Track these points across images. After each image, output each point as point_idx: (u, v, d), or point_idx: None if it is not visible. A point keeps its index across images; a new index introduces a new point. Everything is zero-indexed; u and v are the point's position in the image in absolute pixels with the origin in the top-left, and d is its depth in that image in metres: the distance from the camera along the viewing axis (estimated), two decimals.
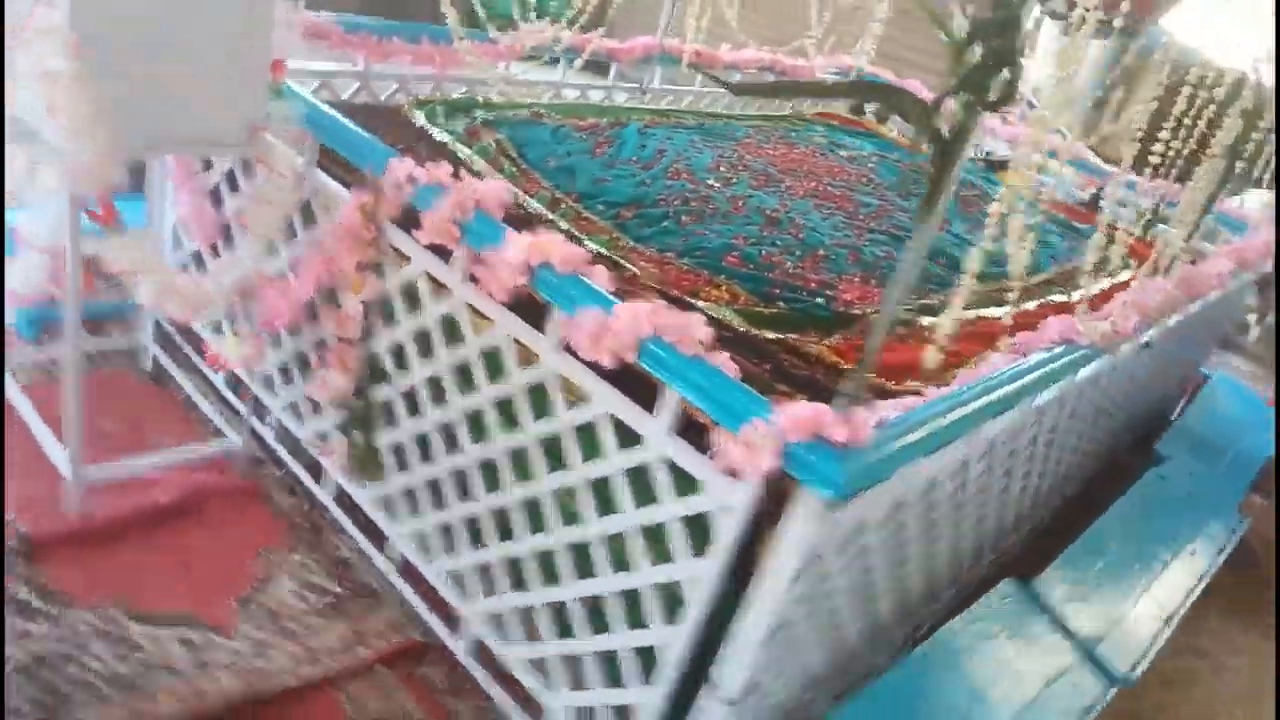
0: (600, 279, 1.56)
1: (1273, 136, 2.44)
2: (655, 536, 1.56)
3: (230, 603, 2.05)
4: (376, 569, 2.20)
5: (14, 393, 2.26)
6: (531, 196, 2.28)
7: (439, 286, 1.82)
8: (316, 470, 2.31)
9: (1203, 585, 2.55)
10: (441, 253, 1.77)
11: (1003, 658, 2.05)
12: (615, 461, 1.57)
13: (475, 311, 1.76)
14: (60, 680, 1.78)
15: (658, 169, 2.68)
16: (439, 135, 2.46)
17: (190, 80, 1.76)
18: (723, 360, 1.44)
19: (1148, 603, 2.37)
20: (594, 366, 1.51)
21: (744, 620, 1.44)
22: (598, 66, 3.71)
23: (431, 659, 2.07)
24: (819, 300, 2.11)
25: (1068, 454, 2.69)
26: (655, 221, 2.31)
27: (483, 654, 1.99)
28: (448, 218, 1.67)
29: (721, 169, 2.85)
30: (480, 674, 1.99)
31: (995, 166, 4.18)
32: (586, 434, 1.62)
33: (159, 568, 2.08)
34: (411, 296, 1.89)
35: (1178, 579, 2.52)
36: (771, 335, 1.92)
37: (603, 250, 2.09)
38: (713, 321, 1.90)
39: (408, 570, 2.13)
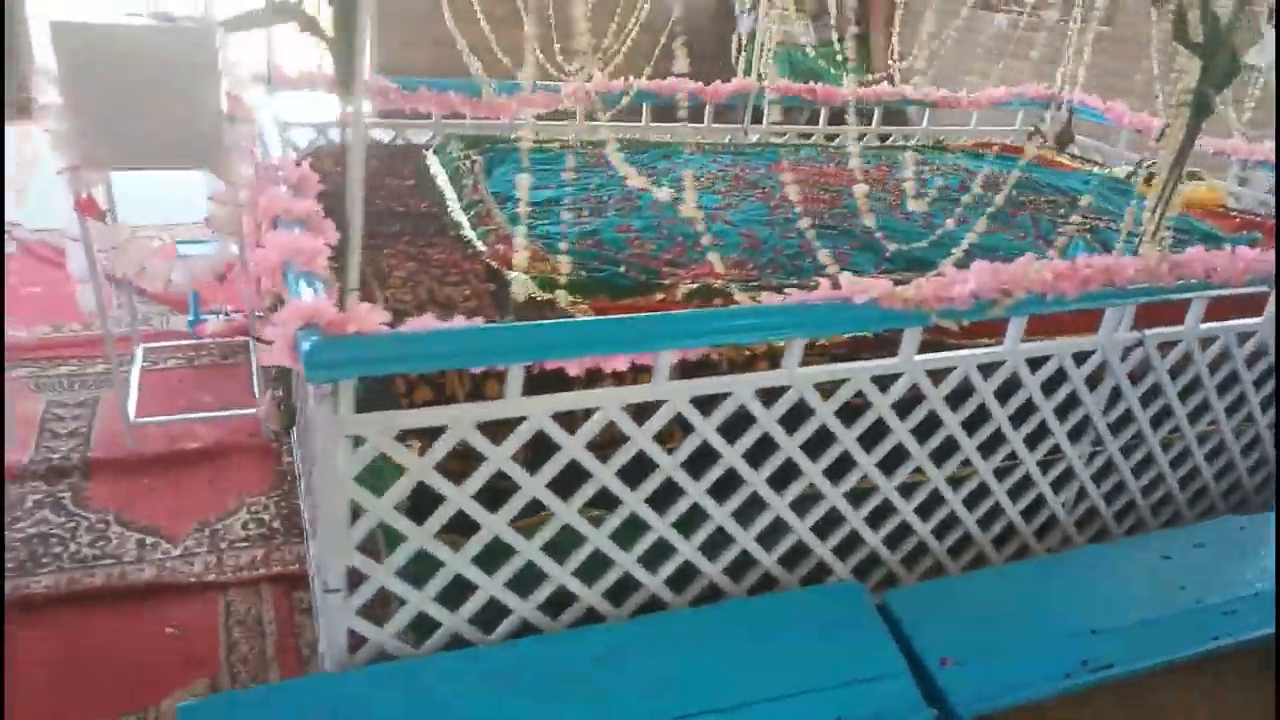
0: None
1: None
2: None
3: (191, 523, 2.58)
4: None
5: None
6: (464, 201, 2.61)
7: None
8: None
9: None
10: None
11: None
12: None
13: None
14: (42, 550, 2.42)
15: (612, 181, 2.84)
16: (431, 160, 2.90)
17: (151, 111, 2.39)
18: (323, 272, 1.63)
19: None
20: None
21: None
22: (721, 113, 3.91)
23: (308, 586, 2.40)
24: (625, 272, 2.15)
25: None
26: (554, 218, 2.50)
27: None
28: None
29: (696, 180, 2.93)
30: None
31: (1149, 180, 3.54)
32: None
33: (161, 492, 2.69)
34: None
35: None
36: (543, 296, 2.03)
37: (472, 236, 2.35)
38: (499, 284, 2.09)
39: None
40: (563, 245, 2.30)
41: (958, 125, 4.44)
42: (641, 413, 1.75)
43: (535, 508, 1.74)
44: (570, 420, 1.70)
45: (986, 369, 2.05)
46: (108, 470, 2.75)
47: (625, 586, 1.93)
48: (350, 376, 1.46)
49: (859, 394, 1.92)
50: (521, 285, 2.09)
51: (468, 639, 1.82)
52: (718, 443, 1.84)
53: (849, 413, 1.94)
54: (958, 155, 3.82)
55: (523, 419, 1.64)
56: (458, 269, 2.21)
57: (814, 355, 1.92)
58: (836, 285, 1.80)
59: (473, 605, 1.78)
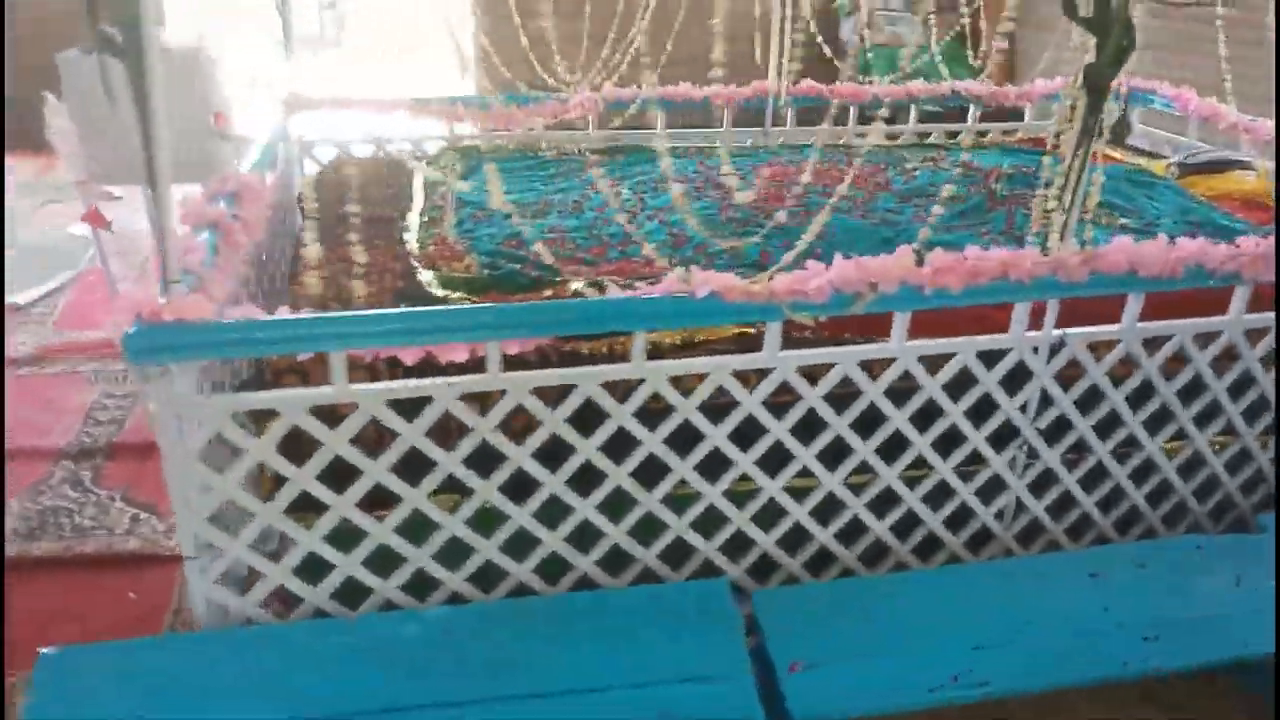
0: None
1: None
2: None
3: None
4: None
5: None
6: (427, 206, 2.76)
7: None
8: None
9: None
10: None
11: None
12: None
13: None
14: (52, 520, 2.73)
15: (580, 184, 2.91)
16: (421, 169, 3.06)
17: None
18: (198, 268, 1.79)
19: None
20: None
21: None
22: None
23: None
24: (523, 269, 2.20)
25: None
26: (497, 222, 2.59)
27: None
28: None
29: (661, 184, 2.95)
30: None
31: (1188, 170, 3.24)
32: None
33: None
34: None
35: None
36: (441, 293, 2.13)
37: (412, 239, 2.49)
38: (408, 282, 2.22)
39: None
40: (487, 246, 2.40)
41: (1015, 122, 4.21)
42: (480, 401, 1.82)
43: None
44: (408, 408, 1.78)
45: (872, 365, 1.98)
46: (128, 454, 3.06)
47: (491, 572, 1.99)
48: (164, 361, 1.61)
49: (720, 390, 1.90)
50: (425, 283, 2.19)
51: (335, 613, 1.93)
52: (574, 436, 1.87)
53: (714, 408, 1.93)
54: (978, 152, 3.62)
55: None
56: (380, 268, 2.34)
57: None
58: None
59: (332, 581, 1.90)
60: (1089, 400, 2.15)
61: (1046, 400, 2.11)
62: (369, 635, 1.84)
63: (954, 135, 4.06)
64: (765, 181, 3.00)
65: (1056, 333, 2.04)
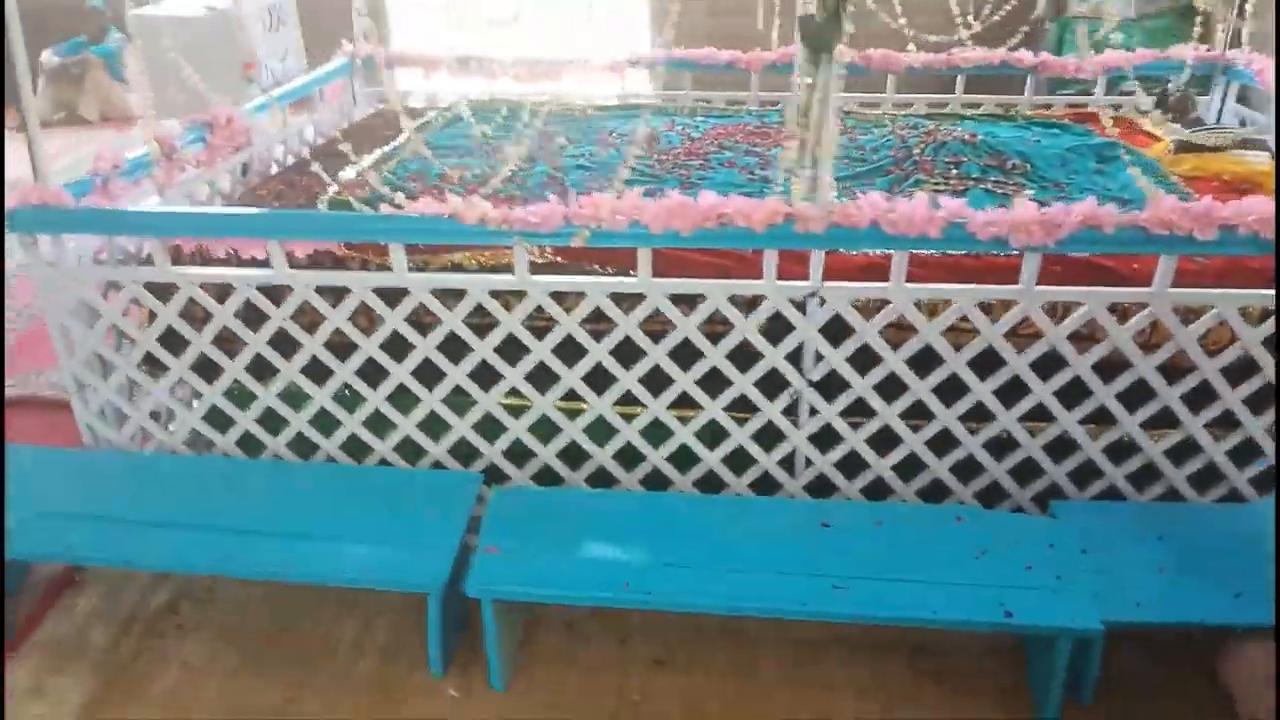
0: None
1: None
2: None
3: None
4: None
5: None
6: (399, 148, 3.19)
7: None
8: None
9: None
10: None
11: None
12: None
13: None
14: None
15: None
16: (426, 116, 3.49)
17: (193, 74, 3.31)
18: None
19: None
20: None
21: None
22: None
23: None
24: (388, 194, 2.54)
25: None
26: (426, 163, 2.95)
27: None
28: None
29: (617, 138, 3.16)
30: None
31: (1184, 148, 2.89)
32: None
33: None
34: None
35: None
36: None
37: (351, 173, 2.93)
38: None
39: None
40: (391, 180, 2.78)
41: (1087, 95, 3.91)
42: (275, 296, 2.21)
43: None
44: (220, 291, 2.20)
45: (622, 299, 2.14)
46: None
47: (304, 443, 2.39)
48: (33, 232, 2.14)
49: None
50: (319, 204, 2.60)
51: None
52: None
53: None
54: (989, 123, 3.44)
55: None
56: (306, 193, 2.79)
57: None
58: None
59: (183, 428, 2.39)
60: (866, 360, 2.16)
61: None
62: (198, 470, 2.32)
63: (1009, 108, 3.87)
64: (689, 140, 3.16)
65: (812, 284, 2.08)
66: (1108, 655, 1.93)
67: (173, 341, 2.29)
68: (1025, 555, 2.01)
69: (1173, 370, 2.13)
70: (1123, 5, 6.37)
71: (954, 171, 2.73)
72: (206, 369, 2.32)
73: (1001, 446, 2.25)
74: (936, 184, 2.64)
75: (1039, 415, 2.19)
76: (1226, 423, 2.18)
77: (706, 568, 1.99)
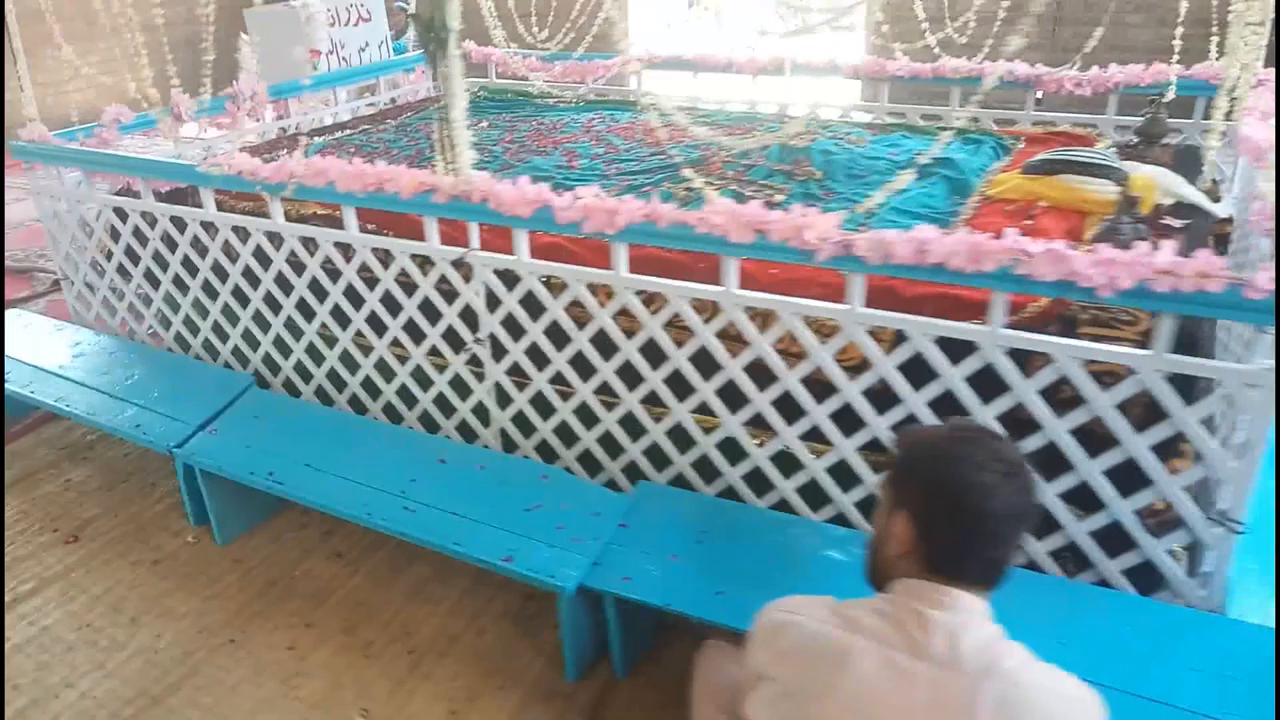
0: None
1: None
2: None
3: None
4: None
5: None
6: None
7: None
8: None
9: None
10: None
11: None
12: None
13: None
14: None
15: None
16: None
17: (279, 52, 4.29)
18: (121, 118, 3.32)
19: None
20: None
21: None
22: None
23: None
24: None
25: None
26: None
27: None
28: None
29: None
30: None
31: (1032, 169, 2.57)
32: None
33: None
34: None
35: None
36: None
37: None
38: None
39: None
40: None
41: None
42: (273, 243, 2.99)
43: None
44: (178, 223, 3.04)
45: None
46: None
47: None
48: (31, 161, 3.14)
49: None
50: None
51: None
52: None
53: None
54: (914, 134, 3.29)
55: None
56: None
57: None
58: None
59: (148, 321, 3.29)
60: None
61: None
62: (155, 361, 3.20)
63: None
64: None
65: (459, 250, 2.41)
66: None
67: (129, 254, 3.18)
68: (568, 519, 2.18)
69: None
70: None
71: (744, 173, 2.82)
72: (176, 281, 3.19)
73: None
74: (711, 181, 2.75)
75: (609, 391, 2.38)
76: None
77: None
